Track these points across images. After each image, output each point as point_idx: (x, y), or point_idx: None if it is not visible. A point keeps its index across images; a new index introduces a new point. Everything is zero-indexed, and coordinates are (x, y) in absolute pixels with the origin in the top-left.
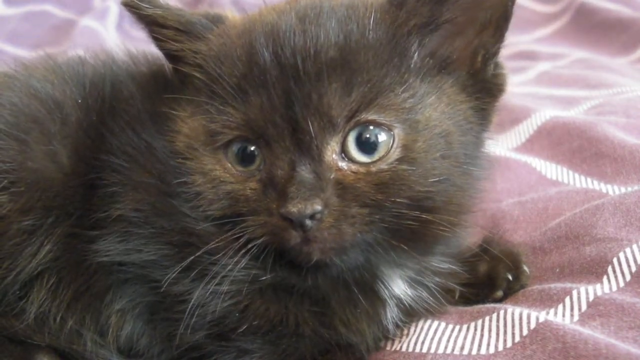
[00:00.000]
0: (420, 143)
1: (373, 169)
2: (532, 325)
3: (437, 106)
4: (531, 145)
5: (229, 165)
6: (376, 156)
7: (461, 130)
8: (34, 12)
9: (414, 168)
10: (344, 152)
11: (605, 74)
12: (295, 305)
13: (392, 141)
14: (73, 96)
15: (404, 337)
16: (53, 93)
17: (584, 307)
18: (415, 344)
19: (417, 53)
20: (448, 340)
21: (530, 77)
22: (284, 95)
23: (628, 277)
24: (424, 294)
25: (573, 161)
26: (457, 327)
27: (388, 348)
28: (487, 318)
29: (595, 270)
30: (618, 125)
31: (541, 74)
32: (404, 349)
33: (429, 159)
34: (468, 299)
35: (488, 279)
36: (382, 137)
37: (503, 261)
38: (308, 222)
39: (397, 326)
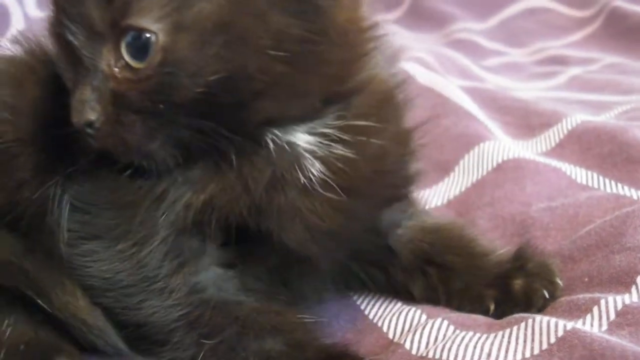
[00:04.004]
0: (183, 43)
1: (142, 75)
2: (560, 333)
3: None
4: (561, 150)
5: None
6: (146, 62)
7: (259, 17)
8: None
9: (178, 71)
10: (120, 59)
11: (636, 79)
12: None
13: (154, 45)
14: None
15: (432, 344)
16: None
17: (612, 316)
18: (442, 350)
19: None
20: (475, 347)
21: (560, 82)
22: (56, 11)
23: None
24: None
25: (603, 166)
26: (485, 335)
27: (414, 353)
28: (515, 327)
29: (624, 280)
30: None
31: (572, 78)
32: (430, 355)
33: (200, 58)
34: (503, 314)
35: (524, 296)
36: (148, 41)
37: (539, 277)
38: (89, 131)
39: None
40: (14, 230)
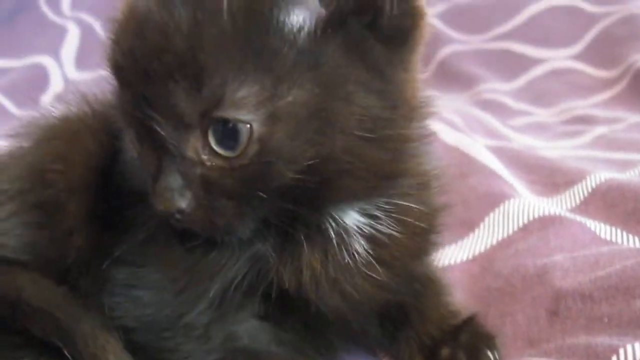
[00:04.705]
0: (280, 133)
1: (235, 164)
2: None
3: (308, 84)
4: (586, 207)
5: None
6: (238, 151)
7: (347, 100)
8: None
9: (276, 159)
10: (207, 147)
11: None
12: None
13: (249, 136)
14: None
15: None
16: None
17: None
18: None
19: (287, 23)
20: None
21: (586, 141)
22: (132, 94)
23: None
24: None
25: (628, 223)
26: None
27: None
28: None
29: None
30: None
31: (597, 137)
32: None
33: (296, 145)
34: None
35: None
36: (240, 132)
37: (467, 348)
38: (178, 216)
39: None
40: (61, 282)
